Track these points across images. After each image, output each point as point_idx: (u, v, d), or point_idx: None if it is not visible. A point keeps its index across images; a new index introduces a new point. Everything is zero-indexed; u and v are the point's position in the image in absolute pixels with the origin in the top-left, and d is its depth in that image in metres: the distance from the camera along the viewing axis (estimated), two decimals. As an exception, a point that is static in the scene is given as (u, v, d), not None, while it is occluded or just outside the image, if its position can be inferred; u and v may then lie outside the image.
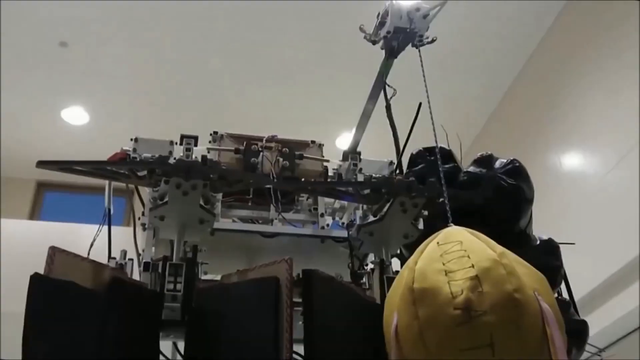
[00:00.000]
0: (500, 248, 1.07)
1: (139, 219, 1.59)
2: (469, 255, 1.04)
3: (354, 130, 1.88)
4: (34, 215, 6.14)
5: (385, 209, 1.47)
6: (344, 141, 5.43)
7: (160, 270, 1.37)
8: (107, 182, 1.62)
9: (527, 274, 1.05)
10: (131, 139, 1.67)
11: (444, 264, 1.04)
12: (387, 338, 1.10)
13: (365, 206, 1.57)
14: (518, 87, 5.05)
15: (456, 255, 1.05)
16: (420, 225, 1.50)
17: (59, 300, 1.17)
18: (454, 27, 4.33)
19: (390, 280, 1.40)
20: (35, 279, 1.16)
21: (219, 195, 1.55)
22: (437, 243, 1.12)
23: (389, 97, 1.68)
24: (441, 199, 1.39)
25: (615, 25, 3.74)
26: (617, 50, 3.69)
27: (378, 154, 1.78)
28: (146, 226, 1.58)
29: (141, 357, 1.23)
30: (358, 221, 1.56)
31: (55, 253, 1.23)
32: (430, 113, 1.37)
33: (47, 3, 4.46)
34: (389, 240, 1.53)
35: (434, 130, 1.47)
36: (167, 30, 4.75)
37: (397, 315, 1.05)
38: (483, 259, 1.03)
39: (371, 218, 1.51)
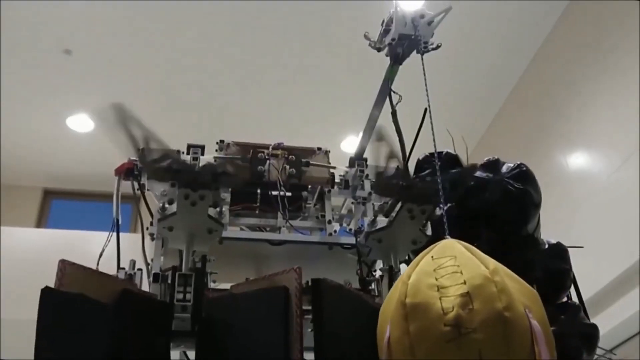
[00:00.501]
0: (493, 264, 1.08)
1: (147, 229, 1.59)
2: (461, 271, 1.05)
3: (360, 135, 1.88)
4: (40, 223, 6.17)
5: (393, 216, 1.48)
6: (349, 145, 5.44)
7: (169, 280, 1.38)
8: (114, 192, 1.63)
9: (519, 290, 1.06)
10: (138, 149, 1.67)
11: (437, 279, 1.05)
12: (380, 348, 1.11)
13: (374, 212, 1.59)
14: (522, 89, 5.05)
15: (449, 270, 1.06)
16: (429, 231, 1.50)
17: (69, 312, 1.17)
18: (457, 29, 4.34)
19: None
20: (45, 292, 1.16)
21: (227, 199, 1.55)
22: (432, 257, 1.13)
23: (394, 102, 1.68)
24: (441, 208, 1.40)
25: (619, 26, 3.73)
26: (621, 52, 3.68)
27: (384, 159, 1.79)
28: (154, 236, 1.59)
29: None
30: (366, 228, 1.56)
31: (65, 266, 1.23)
32: (431, 122, 1.37)
33: (51, 11, 4.48)
34: (397, 246, 1.53)
35: (433, 139, 1.47)
36: (172, 38, 4.76)
37: (390, 327, 1.07)
38: (475, 275, 1.04)
39: (379, 224, 1.52)
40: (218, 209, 1.43)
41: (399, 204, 1.48)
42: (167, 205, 1.40)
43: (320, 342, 1.16)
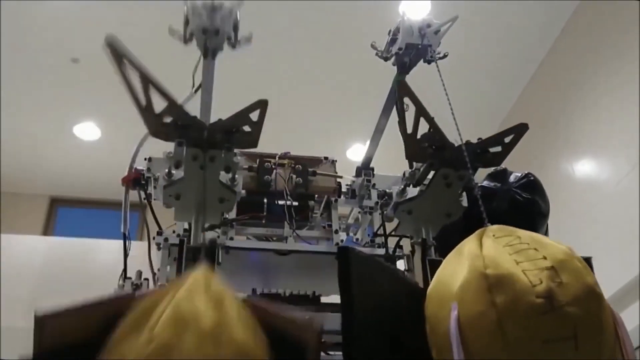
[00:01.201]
0: (565, 244, 1.02)
1: (154, 238, 1.59)
2: (535, 248, 0.98)
3: (367, 144, 1.88)
4: (47, 231, 6.18)
5: (426, 184, 1.35)
6: (355, 153, 5.43)
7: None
8: (122, 203, 1.63)
9: None
10: (145, 159, 1.68)
11: (510, 254, 0.97)
12: (439, 334, 0.99)
13: (403, 180, 1.45)
14: (529, 95, 5.04)
15: (519, 247, 0.98)
16: (464, 202, 1.38)
17: None
18: (463, 36, 4.33)
19: (434, 263, 1.23)
20: None
21: (241, 163, 1.37)
22: (494, 235, 1.04)
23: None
24: (473, 197, 1.27)
25: (627, 30, 3.70)
26: (629, 57, 3.66)
27: (392, 166, 1.78)
28: (161, 245, 1.59)
29: None
30: (395, 198, 1.46)
31: (42, 320, 0.92)
32: (457, 129, 1.33)
33: (59, 19, 4.51)
34: (430, 219, 1.40)
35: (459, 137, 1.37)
36: (178, 45, 4.77)
37: (459, 305, 0.96)
38: (555, 251, 0.97)
39: (409, 194, 1.41)
40: (230, 175, 1.27)
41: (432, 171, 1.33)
42: (173, 171, 1.25)
43: (349, 326, 0.99)
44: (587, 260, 1.33)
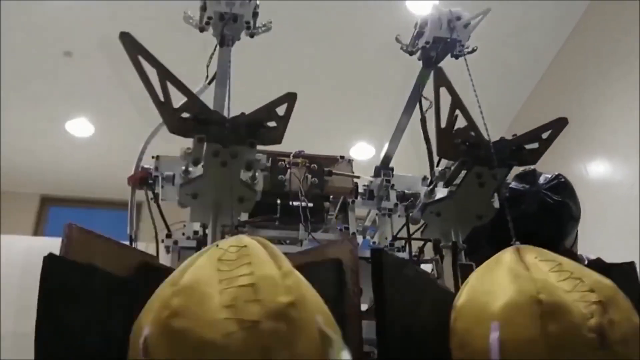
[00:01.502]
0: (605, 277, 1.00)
1: (163, 241, 1.52)
2: (580, 278, 0.95)
3: (386, 146, 1.79)
4: (37, 231, 6.04)
5: (457, 183, 1.28)
6: (358, 151, 5.38)
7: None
8: (129, 204, 1.54)
9: None
10: (152, 157, 1.61)
11: (557, 282, 0.95)
12: (471, 351, 0.96)
13: (432, 179, 1.39)
14: (539, 95, 4.98)
15: (564, 275, 0.96)
16: (496, 204, 1.31)
17: (78, 285, 0.98)
18: (473, 35, 4.26)
19: (465, 268, 1.22)
20: (49, 260, 0.96)
21: (262, 160, 1.31)
22: (535, 257, 1.01)
23: (424, 109, 1.59)
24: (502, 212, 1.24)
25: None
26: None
27: (403, 167, 1.71)
28: (170, 248, 1.52)
29: None
30: (423, 199, 1.38)
31: (72, 232, 1.06)
32: (485, 126, 1.25)
33: (51, 13, 4.39)
34: (460, 221, 1.33)
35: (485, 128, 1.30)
36: (175, 40, 4.68)
37: (503, 326, 0.93)
38: (603, 286, 0.95)
39: (438, 195, 1.33)
40: (251, 173, 1.21)
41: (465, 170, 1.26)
42: (191, 168, 1.20)
43: (384, 328, 0.97)
44: (631, 265, 1.28)
